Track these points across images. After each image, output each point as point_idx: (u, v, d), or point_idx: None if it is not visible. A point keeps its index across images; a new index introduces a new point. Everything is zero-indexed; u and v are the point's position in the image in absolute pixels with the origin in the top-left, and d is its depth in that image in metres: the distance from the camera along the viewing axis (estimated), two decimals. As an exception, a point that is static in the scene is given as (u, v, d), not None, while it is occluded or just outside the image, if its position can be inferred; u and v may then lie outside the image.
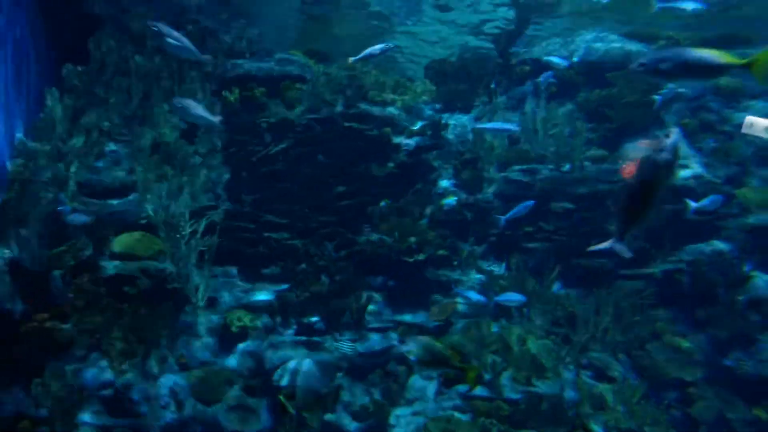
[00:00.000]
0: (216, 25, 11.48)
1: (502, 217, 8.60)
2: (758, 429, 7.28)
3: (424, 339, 4.27)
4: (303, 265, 8.84)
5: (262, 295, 8.48)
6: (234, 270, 8.83)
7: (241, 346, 7.99)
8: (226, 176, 9.84)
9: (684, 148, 9.33)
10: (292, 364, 4.46)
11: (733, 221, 8.57)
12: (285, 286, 8.62)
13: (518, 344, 8.11)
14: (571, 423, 7.11)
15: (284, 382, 4.34)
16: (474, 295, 8.48)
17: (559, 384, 7.61)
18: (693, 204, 8.10)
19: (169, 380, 7.52)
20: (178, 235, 8.10)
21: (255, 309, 8.28)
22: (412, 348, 4.25)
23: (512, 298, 8.18)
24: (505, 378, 7.74)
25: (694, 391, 7.64)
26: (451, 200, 9.69)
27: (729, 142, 9.65)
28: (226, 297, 8.48)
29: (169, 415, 7.27)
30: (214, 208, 8.79)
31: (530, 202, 8.43)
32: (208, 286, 8.22)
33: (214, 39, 11.18)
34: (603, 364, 7.78)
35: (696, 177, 9.06)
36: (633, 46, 11.03)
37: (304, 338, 8.04)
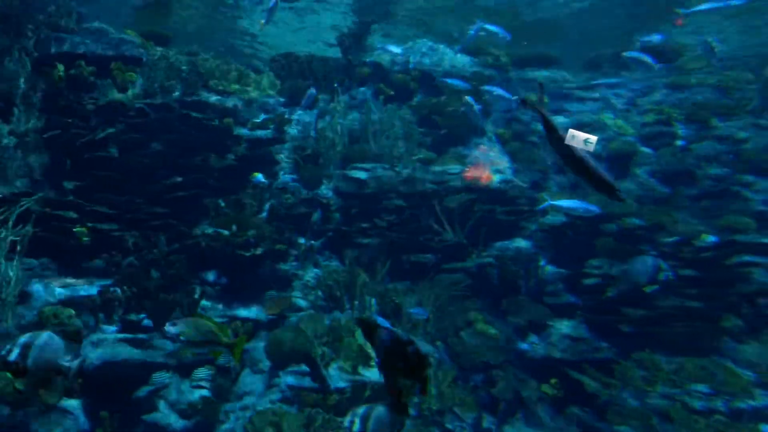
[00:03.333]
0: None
1: None
2: (546, 404, 8.47)
3: (193, 319, 4.34)
4: (131, 259, 8.51)
5: (83, 290, 8.03)
6: (51, 263, 8.25)
7: (57, 344, 7.52)
8: (46, 161, 9.12)
9: (498, 155, 10.46)
10: (24, 338, 4.06)
11: (533, 222, 9.81)
12: (109, 281, 8.23)
13: (348, 335, 8.57)
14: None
15: (12, 357, 3.96)
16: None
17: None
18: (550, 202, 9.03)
19: (-31, 384, 6.86)
20: (-16, 225, 7.40)
21: (75, 305, 7.80)
22: (181, 329, 4.31)
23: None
24: (333, 368, 8.16)
25: (497, 372, 8.66)
26: (259, 176, 9.82)
27: (534, 149, 10.99)
28: (41, 292, 7.89)
29: (-32, 422, 6.66)
30: (30, 194, 8.13)
31: None
32: (21, 279, 7.60)
33: (36, 9, 10.23)
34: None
35: (506, 181, 10.20)
36: (463, 59, 12.04)
37: (129, 335, 7.82)
